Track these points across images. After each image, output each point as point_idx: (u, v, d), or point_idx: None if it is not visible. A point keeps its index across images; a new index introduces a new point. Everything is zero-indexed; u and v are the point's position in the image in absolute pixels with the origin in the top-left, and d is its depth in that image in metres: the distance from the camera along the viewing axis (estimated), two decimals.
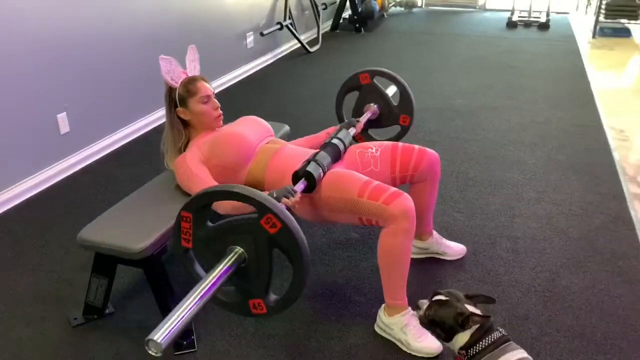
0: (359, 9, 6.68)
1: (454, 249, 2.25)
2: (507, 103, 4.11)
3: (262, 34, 4.97)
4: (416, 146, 2.07)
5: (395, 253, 1.74)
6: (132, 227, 1.78)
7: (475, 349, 1.36)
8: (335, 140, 2.00)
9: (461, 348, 1.39)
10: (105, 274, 1.86)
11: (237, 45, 4.78)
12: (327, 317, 1.94)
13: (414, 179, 2.05)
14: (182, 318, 1.25)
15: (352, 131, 2.15)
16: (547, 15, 6.96)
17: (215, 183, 1.87)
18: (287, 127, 2.54)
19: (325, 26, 6.68)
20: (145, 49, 3.53)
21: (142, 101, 3.59)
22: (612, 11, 6.38)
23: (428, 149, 2.07)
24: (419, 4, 8.47)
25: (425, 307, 1.45)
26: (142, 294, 2.04)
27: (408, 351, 1.76)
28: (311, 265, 1.44)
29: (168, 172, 2.08)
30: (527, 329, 1.86)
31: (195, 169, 1.87)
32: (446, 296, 1.43)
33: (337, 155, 1.95)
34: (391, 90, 2.56)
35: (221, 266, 1.41)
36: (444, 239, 2.24)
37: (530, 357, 1.33)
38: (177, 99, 1.95)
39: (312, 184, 1.79)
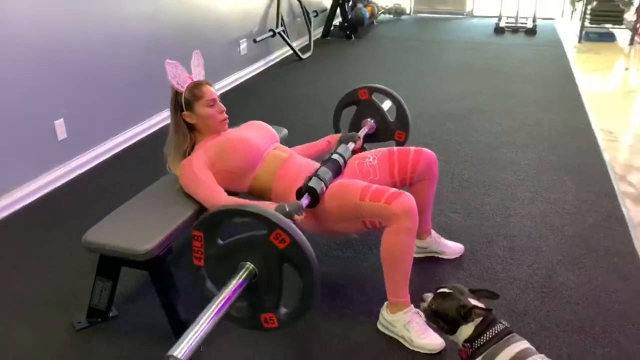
0: (349, 16, 6.76)
1: (452, 247, 2.29)
2: (497, 106, 4.17)
3: (255, 41, 5.01)
4: (412, 148, 2.11)
5: (398, 251, 1.77)
6: (137, 229, 1.79)
7: (480, 341, 1.39)
8: (335, 156, 2.04)
9: (465, 341, 1.42)
10: (110, 277, 1.86)
11: (231, 51, 4.82)
12: (330, 317, 1.96)
13: (413, 180, 2.09)
14: (199, 333, 1.30)
15: (352, 146, 2.18)
16: (534, 21, 7.07)
17: (220, 188, 1.89)
18: (285, 131, 2.57)
19: (317, 33, 6.74)
20: (141, 55, 3.56)
21: (138, 107, 3.61)
22: (597, 16, 6.50)
23: (424, 149, 2.11)
24: (407, 12, 8.57)
25: (429, 299, 1.49)
26: (145, 297, 2.05)
27: (411, 348, 1.79)
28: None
29: (169, 176, 2.10)
30: (527, 324, 1.90)
31: (200, 174, 1.89)
32: (450, 289, 1.46)
33: (338, 170, 1.99)
34: (386, 105, 2.61)
35: (233, 283, 1.45)
36: (442, 238, 2.28)
37: (533, 348, 1.36)
38: (183, 103, 1.97)
39: (315, 199, 1.83)
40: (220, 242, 1.55)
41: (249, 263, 1.50)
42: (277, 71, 5.40)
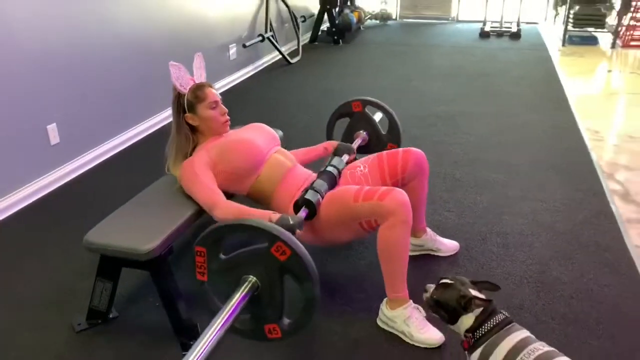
0: (337, 22, 6.81)
1: (448, 245, 2.32)
2: (486, 109, 4.23)
3: (244, 46, 5.03)
4: (400, 149, 2.15)
5: (394, 245, 1.79)
6: (138, 229, 1.80)
7: (481, 331, 1.42)
8: (330, 168, 2.07)
9: (467, 331, 1.44)
10: (110, 278, 1.86)
11: (221, 56, 4.83)
12: (330, 315, 1.97)
13: (405, 180, 2.12)
14: (205, 347, 1.32)
15: (346, 158, 2.20)
16: (518, 25, 7.20)
17: (219, 191, 1.90)
18: (280, 132, 2.58)
19: (305, 38, 6.78)
20: (132, 60, 3.57)
21: (131, 111, 3.61)
22: (580, 20, 6.63)
23: (412, 148, 2.14)
24: (394, 17, 8.66)
25: (431, 290, 1.52)
26: (146, 298, 2.05)
27: (411, 342, 1.81)
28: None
29: (167, 177, 2.10)
30: (523, 318, 1.93)
31: (201, 174, 1.90)
32: (451, 280, 1.49)
33: (333, 182, 2.01)
34: (377, 117, 2.64)
35: (237, 296, 1.48)
36: (437, 235, 2.31)
37: (533, 336, 1.39)
38: (185, 105, 1.98)
39: (312, 211, 1.86)
40: (222, 256, 1.57)
41: (251, 276, 1.53)
42: (266, 76, 5.43)
